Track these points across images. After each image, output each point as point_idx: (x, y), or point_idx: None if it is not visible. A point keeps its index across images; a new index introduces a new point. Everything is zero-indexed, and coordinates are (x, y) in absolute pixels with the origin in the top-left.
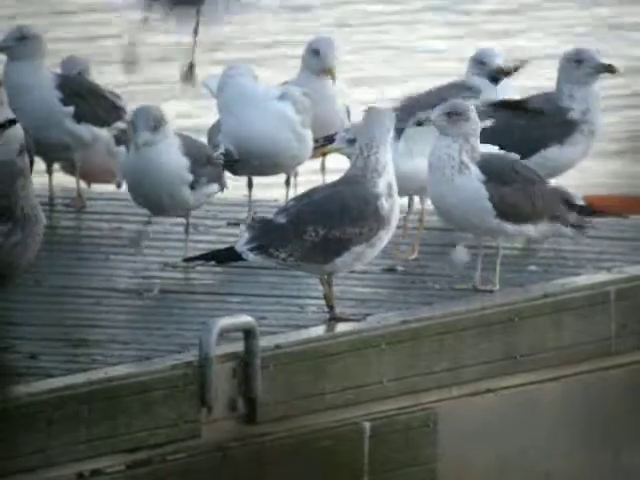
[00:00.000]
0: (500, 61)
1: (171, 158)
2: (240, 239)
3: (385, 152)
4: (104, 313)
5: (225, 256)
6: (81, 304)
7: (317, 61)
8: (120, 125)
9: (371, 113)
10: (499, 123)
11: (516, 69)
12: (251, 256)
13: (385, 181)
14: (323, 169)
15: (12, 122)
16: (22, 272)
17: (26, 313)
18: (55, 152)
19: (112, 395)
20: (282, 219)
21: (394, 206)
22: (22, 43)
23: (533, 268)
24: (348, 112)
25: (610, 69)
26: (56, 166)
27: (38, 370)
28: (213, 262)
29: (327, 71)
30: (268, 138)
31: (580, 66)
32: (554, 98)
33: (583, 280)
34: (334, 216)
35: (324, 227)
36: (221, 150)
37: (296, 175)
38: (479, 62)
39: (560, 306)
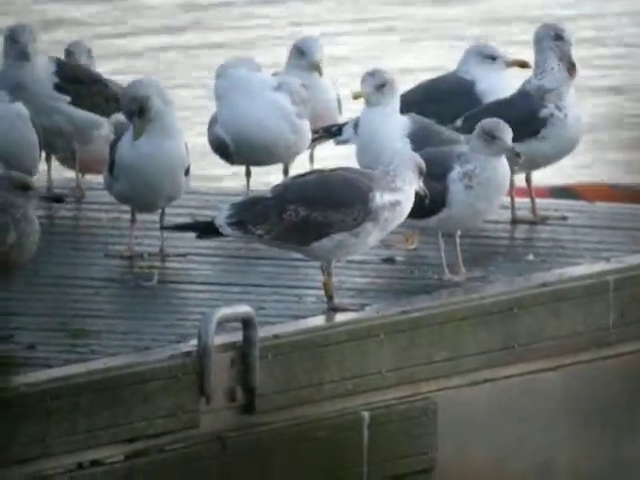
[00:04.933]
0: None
1: (178, 140)
2: (221, 212)
3: (403, 181)
4: (103, 303)
5: (203, 228)
6: (80, 294)
7: (303, 59)
8: (120, 117)
9: (404, 157)
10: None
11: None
12: (228, 230)
13: (393, 197)
14: (312, 159)
15: None
16: (20, 269)
17: (24, 303)
18: (53, 139)
19: (111, 385)
20: (268, 194)
21: (392, 215)
22: (14, 44)
23: (531, 258)
24: (340, 103)
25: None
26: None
27: (37, 360)
28: (193, 232)
29: (314, 67)
30: (262, 128)
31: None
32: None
33: (582, 270)
34: (318, 198)
35: (306, 208)
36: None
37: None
38: (488, 56)
39: (559, 296)
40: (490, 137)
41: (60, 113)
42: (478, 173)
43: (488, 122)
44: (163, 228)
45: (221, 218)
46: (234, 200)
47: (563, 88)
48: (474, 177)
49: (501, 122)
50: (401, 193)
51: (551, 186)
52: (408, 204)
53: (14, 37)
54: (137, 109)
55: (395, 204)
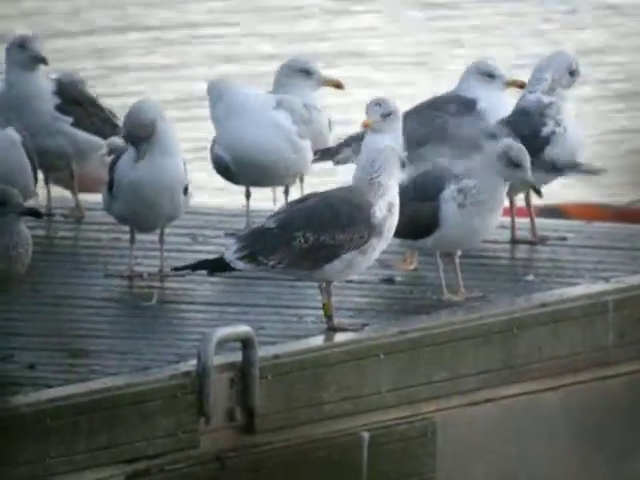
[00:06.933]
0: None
1: (177, 160)
2: (229, 248)
3: (389, 177)
4: (102, 323)
5: (214, 265)
6: (79, 314)
7: (312, 78)
8: (115, 140)
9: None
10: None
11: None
12: (240, 265)
13: (385, 201)
14: (301, 180)
15: None
16: (15, 283)
17: (25, 323)
18: (54, 160)
19: (111, 405)
20: (272, 224)
21: (391, 221)
22: (23, 51)
23: (531, 278)
24: (330, 124)
25: None
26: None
27: (37, 380)
28: (203, 271)
29: (329, 83)
30: (261, 147)
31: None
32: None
33: (581, 290)
34: (324, 221)
35: (313, 233)
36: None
37: (302, 180)
38: (487, 74)
39: (558, 316)
40: (513, 165)
41: (63, 134)
42: (475, 193)
43: (512, 148)
44: (175, 270)
45: (230, 253)
46: (238, 233)
47: (560, 101)
48: (469, 195)
49: (523, 149)
50: (389, 192)
51: (541, 206)
52: (397, 199)
53: (24, 44)
54: (147, 135)
55: (390, 207)
